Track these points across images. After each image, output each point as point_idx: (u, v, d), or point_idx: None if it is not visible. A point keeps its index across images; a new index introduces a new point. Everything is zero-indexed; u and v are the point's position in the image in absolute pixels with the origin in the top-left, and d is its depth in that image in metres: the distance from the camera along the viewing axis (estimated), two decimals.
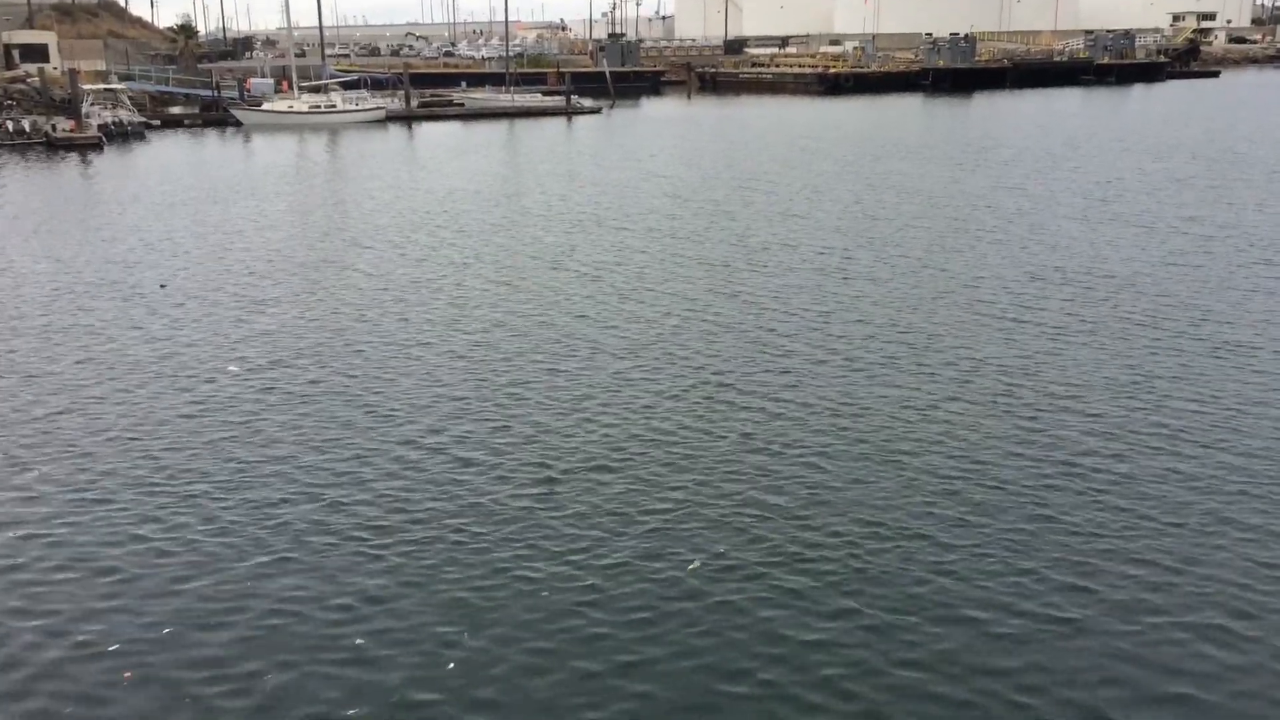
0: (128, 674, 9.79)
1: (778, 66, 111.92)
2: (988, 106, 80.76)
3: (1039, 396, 16.78)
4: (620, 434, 15.34)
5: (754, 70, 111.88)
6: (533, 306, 22.55)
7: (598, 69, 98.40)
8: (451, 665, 9.94)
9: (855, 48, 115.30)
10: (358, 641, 10.33)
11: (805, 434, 15.29)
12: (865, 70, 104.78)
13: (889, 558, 11.79)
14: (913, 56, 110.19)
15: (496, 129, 67.53)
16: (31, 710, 9.41)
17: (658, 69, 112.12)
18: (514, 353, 19.28)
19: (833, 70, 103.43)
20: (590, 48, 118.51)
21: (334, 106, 70.37)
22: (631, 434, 15.34)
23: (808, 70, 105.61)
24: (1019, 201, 35.59)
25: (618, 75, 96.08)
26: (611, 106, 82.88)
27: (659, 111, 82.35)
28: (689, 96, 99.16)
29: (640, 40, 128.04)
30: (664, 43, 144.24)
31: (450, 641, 10.31)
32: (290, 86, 72.53)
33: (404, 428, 15.70)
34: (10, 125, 59.06)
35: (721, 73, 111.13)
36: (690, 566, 11.57)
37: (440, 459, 14.55)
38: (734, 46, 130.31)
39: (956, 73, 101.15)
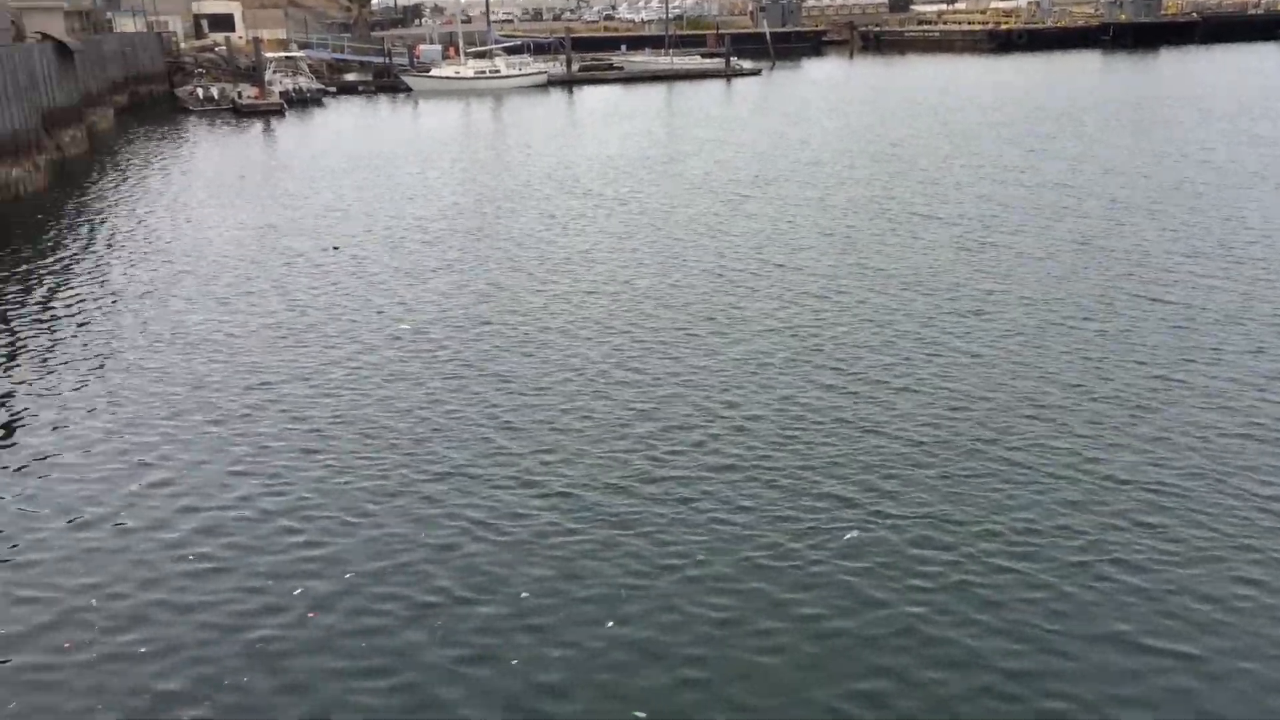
0: (313, 613, 10.50)
1: (945, 24, 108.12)
2: (1174, 64, 76.12)
3: (1195, 393, 15.98)
4: (769, 410, 15.40)
5: (920, 28, 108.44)
6: (687, 275, 22.70)
7: (757, 30, 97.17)
8: (606, 643, 10.29)
9: (1029, 2, 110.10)
10: (494, 609, 10.77)
11: (944, 419, 15.02)
12: (1039, 26, 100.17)
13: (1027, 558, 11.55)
14: (1092, 11, 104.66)
15: (655, 92, 67.69)
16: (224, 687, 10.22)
17: (819, 29, 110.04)
18: (667, 322, 19.48)
19: (1004, 26, 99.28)
20: (750, 8, 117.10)
21: (498, 72, 71.93)
22: (776, 411, 15.38)
23: (977, 27, 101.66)
24: (1200, 170, 33.59)
25: (778, 36, 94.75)
26: (771, 68, 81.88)
27: (820, 72, 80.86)
28: (851, 56, 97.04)
29: (801, 0, 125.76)
30: (826, 1, 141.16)
31: (606, 620, 10.65)
32: (457, 53, 74.43)
33: (562, 395, 16.11)
34: (200, 92, 62.78)
35: (886, 31, 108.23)
36: (848, 536, 11.61)
37: (593, 427, 14.88)
38: (899, 4, 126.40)
39: (1139, 27, 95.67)
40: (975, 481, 12.84)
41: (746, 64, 79.10)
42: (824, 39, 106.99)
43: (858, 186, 32.34)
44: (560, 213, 29.57)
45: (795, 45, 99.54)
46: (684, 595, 10.67)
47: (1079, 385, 15.79)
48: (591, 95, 67.38)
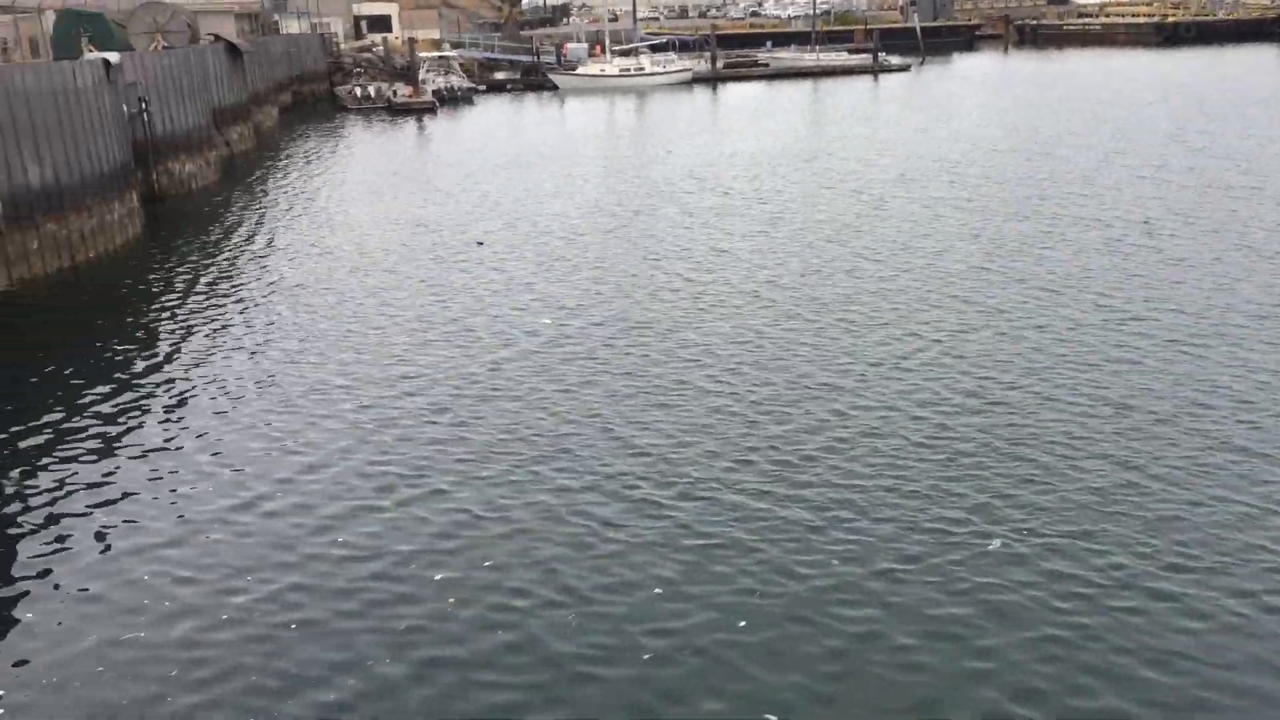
0: (452, 601, 10.81)
1: (1108, 16, 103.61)
2: None
3: None
4: (909, 416, 15.08)
5: (1080, 21, 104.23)
6: (827, 276, 22.39)
7: (907, 24, 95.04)
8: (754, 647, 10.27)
9: None
10: (646, 628, 10.85)
11: (1096, 432, 14.38)
12: (1210, 18, 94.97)
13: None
14: (1268, 2, 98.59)
15: (800, 89, 67.00)
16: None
17: (972, 23, 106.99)
18: (804, 323, 19.26)
19: (1172, 19, 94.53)
20: (900, 3, 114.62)
21: (643, 69, 72.46)
22: (920, 415, 15.05)
23: (1142, 20, 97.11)
24: None
25: (929, 30, 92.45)
26: (921, 64, 79.99)
27: (972, 68, 78.58)
28: (1005, 51, 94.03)
29: None
30: None
31: (741, 619, 10.63)
32: (603, 51, 75.25)
33: (697, 396, 16.12)
34: (358, 91, 65.27)
35: (1043, 25, 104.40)
36: (990, 545, 11.29)
37: (728, 428, 14.83)
38: None
39: None
40: (1127, 498, 12.28)
41: (895, 60, 77.44)
42: (978, 33, 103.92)
43: (1008, 186, 31.31)
44: (701, 210, 29.56)
45: (947, 40, 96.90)
46: (818, 602, 10.53)
47: (1244, 400, 14.92)
48: (735, 92, 67.16)
